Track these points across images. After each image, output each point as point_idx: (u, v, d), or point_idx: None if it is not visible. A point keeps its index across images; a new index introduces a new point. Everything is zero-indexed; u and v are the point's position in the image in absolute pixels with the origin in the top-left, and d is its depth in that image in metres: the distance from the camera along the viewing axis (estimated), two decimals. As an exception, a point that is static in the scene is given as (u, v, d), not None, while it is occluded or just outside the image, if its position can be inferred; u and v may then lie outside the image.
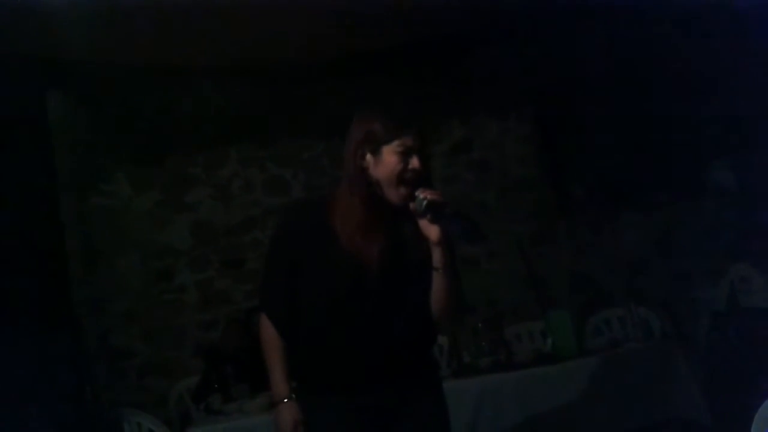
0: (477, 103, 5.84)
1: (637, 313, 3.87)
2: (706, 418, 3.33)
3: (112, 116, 5.29)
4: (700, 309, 5.10)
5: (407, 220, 2.11)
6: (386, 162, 2.05)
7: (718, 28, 4.55)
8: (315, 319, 2.11)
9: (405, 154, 2.05)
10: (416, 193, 2.04)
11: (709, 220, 5.68)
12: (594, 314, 4.59)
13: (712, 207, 5.70)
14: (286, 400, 2.14)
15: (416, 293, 2.13)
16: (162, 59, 4.85)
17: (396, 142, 2.05)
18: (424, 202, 2.02)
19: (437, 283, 2.13)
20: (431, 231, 2.06)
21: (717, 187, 5.78)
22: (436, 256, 2.10)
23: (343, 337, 2.09)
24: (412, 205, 2.06)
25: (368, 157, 2.07)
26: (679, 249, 5.75)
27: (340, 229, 2.06)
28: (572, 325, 3.77)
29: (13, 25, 3.95)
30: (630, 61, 5.32)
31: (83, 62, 4.63)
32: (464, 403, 3.16)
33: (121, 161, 5.46)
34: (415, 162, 2.05)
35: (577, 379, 3.39)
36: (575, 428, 3.30)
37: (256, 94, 5.36)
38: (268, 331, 2.17)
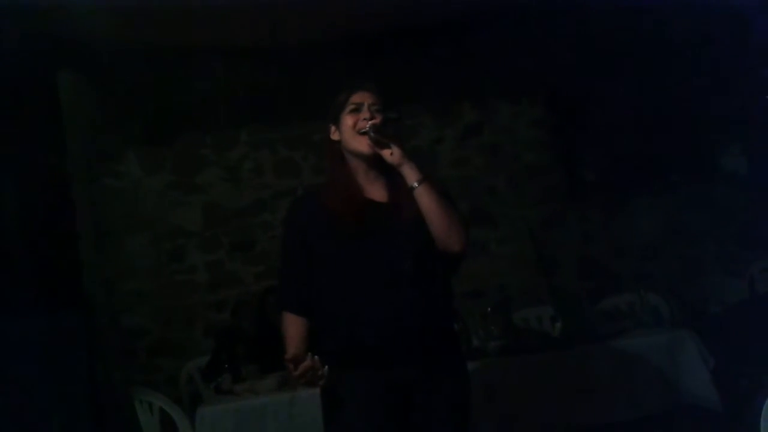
0: (488, 85, 5.80)
1: (647, 299, 3.86)
2: (717, 404, 3.32)
3: (123, 96, 5.28)
4: (710, 295, 5.09)
5: (394, 180, 2.18)
6: (343, 123, 2.20)
7: (736, 12, 4.51)
8: (329, 295, 2.14)
9: (357, 111, 2.18)
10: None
11: (720, 206, 5.65)
12: (603, 300, 4.58)
13: (723, 193, 5.67)
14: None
15: (418, 249, 2.12)
16: (174, 39, 4.84)
17: (348, 104, 2.21)
18: (370, 131, 2.13)
19: (422, 201, 2.11)
20: (393, 156, 2.13)
21: (729, 172, 5.75)
22: (408, 174, 2.12)
23: (355, 308, 2.10)
24: (369, 143, 2.14)
25: (333, 129, 2.24)
26: (690, 235, 5.73)
27: (331, 203, 2.15)
28: (581, 311, 3.78)
29: (24, 4, 3.95)
30: (643, 45, 5.27)
31: (95, 42, 4.63)
32: (473, 387, 3.16)
33: (132, 142, 5.47)
34: (366, 113, 2.16)
35: (586, 364, 3.39)
36: (583, 414, 3.30)
37: (268, 75, 5.35)
38: (290, 317, 2.22)
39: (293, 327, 2.17)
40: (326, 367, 2.01)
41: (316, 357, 2.02)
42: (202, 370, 4.36)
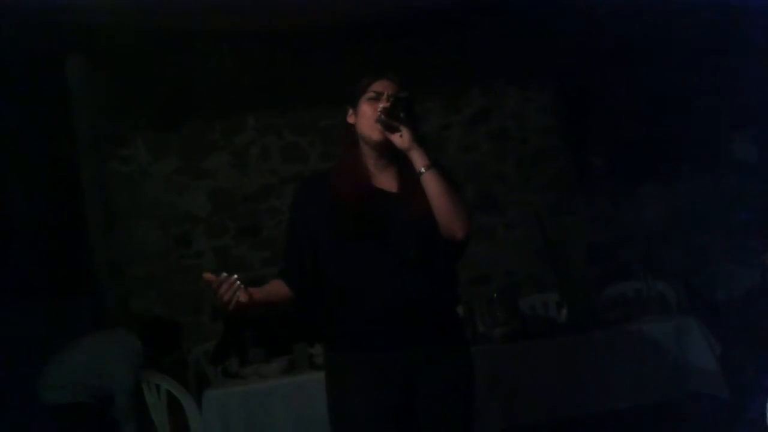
0: (497, 71, 5.78)
1: (654, 287, 3.84)
2: (724, 391, 3.32)
3: (131, 82, 5.28)
4: (718, 283, 5.07)
5: (404, 169, 2.17)
6: (361, 110, 2.19)
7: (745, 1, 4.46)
8: (334, 279, 2.15)
9: (376, 99, 2.16)
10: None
11: (729, 194, 5.62)
12: (610, 286, 4.57)
13: (732, 180, 5.64)
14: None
15: (422, 236, 2.13)
16: (181, 24, 4.83)
17: (368, 91, 2.19)
18: (381, 115, 2.12)
19: (429, 187, 2.11)
20: (403, 139, 2.12)
21: (738, 160, 5.71)
22: (416, 159, 2.12)
23: (359, 293, 2.11)
24: (380, 129, 2.13)
25: (351, 112, 2.23)
26: (698, 222, 5.71)
27: (338, 188, 2.15)
28: (588, 297, 3.77)
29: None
30: (653, 31, 5.23)
31: (103, 27, 4.62)
32: (478, 372, 3.17)
33: (140, 127, 5.48)
34: (384, 103, 2.14)
35: (592, 351, 3.38)
36: (588, 401, 3.31)
37: (275, 60, 5.34)
38: (278, 281, 2.23)
39: (274, 284, 2.18)
40: (242, 286, 1.99)
41: (235, 276, 2.00)
42: (210, 353, 4.38)
